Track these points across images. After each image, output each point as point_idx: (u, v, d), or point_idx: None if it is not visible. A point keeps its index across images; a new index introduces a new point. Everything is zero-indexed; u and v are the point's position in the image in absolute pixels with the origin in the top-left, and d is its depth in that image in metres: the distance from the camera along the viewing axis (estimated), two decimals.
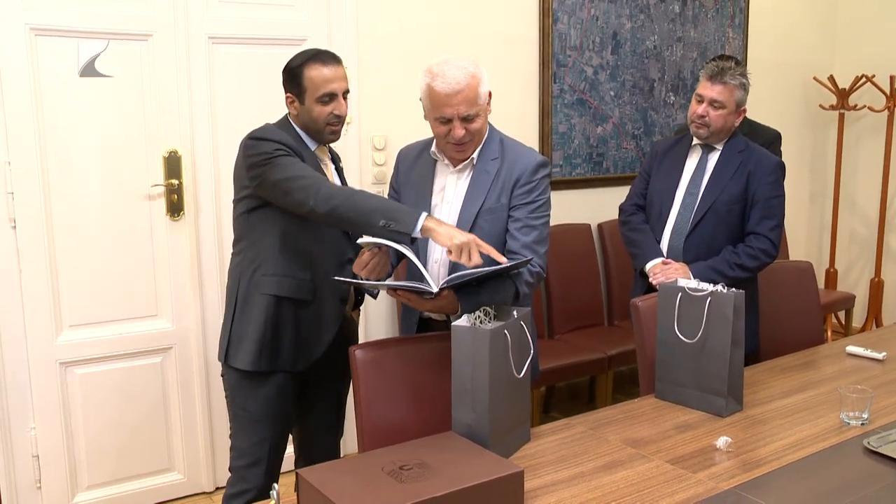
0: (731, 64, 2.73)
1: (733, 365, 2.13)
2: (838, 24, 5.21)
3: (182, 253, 3.05)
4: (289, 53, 3.20)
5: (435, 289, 1.87)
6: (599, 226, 4.17)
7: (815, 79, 5.07)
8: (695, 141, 2.83)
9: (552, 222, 4.27)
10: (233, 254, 2.32)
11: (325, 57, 2.25)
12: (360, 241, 1.97)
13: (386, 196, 2.32)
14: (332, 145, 2.40)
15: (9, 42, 2.67)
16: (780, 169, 2.77)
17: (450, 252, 1.87)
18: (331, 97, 2.22)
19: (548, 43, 3.88)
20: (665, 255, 2.79)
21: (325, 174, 2.25)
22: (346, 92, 2.27)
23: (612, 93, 4.16)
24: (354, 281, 2.03)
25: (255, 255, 2.24)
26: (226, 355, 2.27)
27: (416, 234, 1.91)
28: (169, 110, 2.96)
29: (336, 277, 2.12)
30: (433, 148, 2.18)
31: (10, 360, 2.80)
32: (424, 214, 1.93)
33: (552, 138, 3.97)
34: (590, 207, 4.15)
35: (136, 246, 2.97)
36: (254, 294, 2.23)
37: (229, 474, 2.32)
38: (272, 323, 2.22)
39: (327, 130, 2.26)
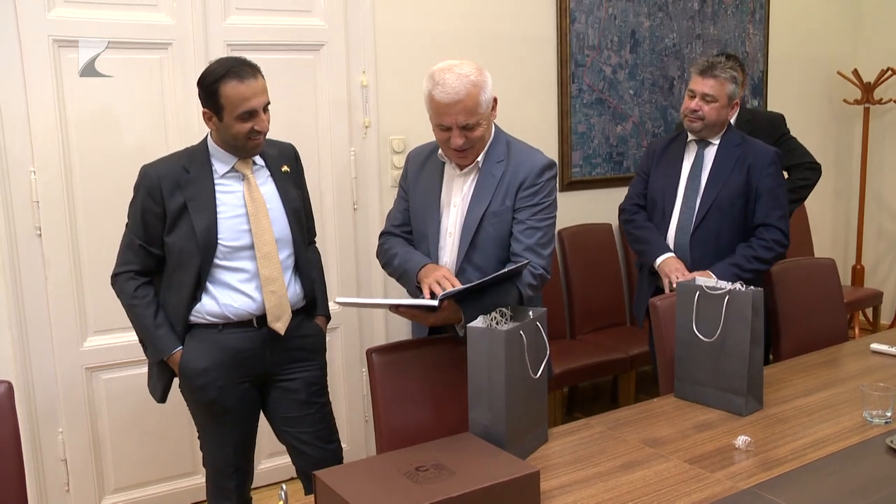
0: (721, 58, 2.78)
1: (753, 363, 2.11)
2: (861, 17, 5.13)
3: None
4: (308, 59, 3.21)
5: (435, 302, 1.88)
6: (620, 225, 4.15)
7: (838, 73, 5.01)
8: (690, 137, 2.83)
9: (571, 222, 4.20)
10: None
11: (241, 72, 2.11)
12: (338, 299, 2.20)
13: (396, 196, 2.34)
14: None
15: (33, 54, 2.72)
16: (779, 158, 2.79)
17: None
18: (251, 114, 2.12)
19: (566, 43, 3.86)
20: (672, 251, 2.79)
21: (240, 191, 2.21)
22: (267, 104, 2.17)
23: (631, 92, 4.13)
24: (355, 302, 2.16)
25: None
26: None
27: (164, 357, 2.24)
28: (190, 118, 2.99)
29: (338, 300, 2.20)
30: (440, 151, 2.17)
31: (38, 365, 2.85)
32: (174, 351, 2.22)
33: (571, 138, 3.96)
34: (610, 207, 4.11)
35: None
36: None
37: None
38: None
39: (249, 145, 2.17)
